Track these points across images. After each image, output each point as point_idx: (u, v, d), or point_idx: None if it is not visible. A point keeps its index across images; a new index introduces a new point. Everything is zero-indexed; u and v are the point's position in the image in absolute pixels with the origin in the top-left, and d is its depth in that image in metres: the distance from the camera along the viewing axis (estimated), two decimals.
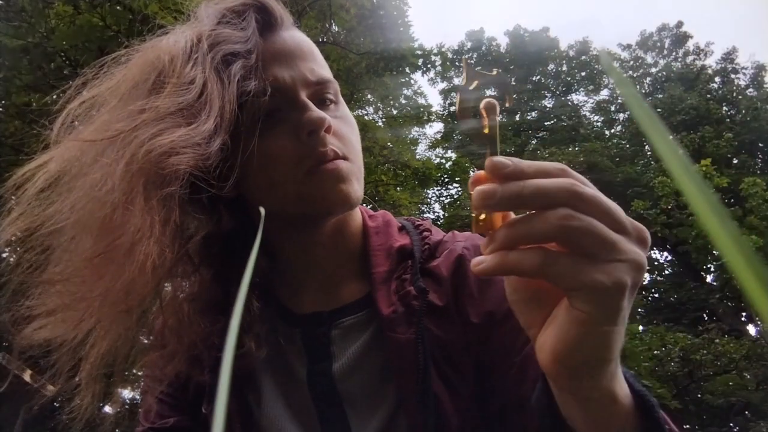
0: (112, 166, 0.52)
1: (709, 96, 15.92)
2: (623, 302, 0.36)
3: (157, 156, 0.51)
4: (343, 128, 0.66)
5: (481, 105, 0.39)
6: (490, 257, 0.37)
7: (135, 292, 0.53)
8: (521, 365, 0.60)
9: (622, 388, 0.41)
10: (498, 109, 0.39)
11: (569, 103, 19.05)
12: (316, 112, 0.61)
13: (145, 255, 0.51)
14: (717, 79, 17.33)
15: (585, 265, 0.35)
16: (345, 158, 0.63)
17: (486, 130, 0.39)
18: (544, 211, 0.35)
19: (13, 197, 0.57)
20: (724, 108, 15.82)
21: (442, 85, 18.51)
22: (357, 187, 0.64)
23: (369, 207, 0.81)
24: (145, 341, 0.69)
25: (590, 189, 0.36)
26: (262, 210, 0.57)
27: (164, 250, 0.53)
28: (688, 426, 9.68)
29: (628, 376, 0.44)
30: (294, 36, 0.67)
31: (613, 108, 18.28)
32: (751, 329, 10.91)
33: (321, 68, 0.66)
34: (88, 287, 0.53)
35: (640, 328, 9.40)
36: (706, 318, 12.30)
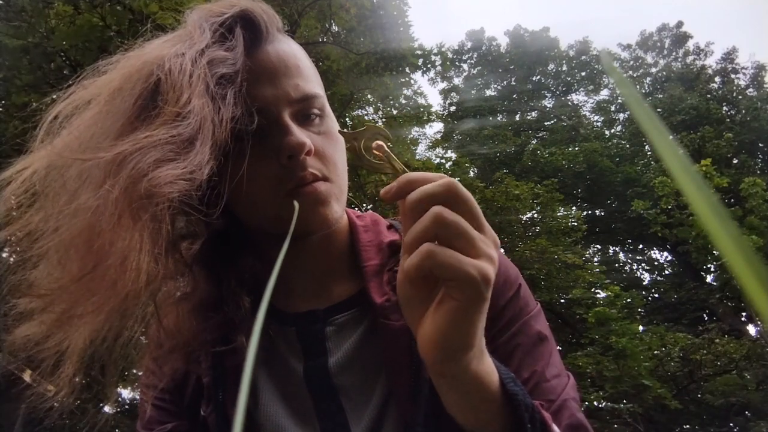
0: (105, 189, 0.50)
1: (709, 96, 15.91)
2: (488, 292, 0.46)
3: (156, 187, 0.50)
4: (325, 146, 0.66)
5: (374, 147, 0.55)
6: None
7: (129, 302, 0.53)
8: (509, 357, 0.64)
9: (489, 375, 0.51)
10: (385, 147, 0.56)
11: (569, 103, 19.05)
12: (296, 136, 0.61)
13: (137, 270, 0.51)
14: (717, 79, 17.32)
15: (459, 259, 0.45)
16: (325, 179, 0.64)
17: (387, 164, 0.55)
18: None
19: None
20: (724, 108, 15.81)
21: (442, 85, 18.55)
22: (336, 208, 0.66)
23: (370, 207, 0.82)
24: (143, 339, 0.69)
25: (463, 191, 0.47)
26: (296, 204, 0.58)
27: (157, 261, 0.53)
28: (688, 426, 9.68)
29: (506, 379, 0.52)
30: (278, 50, 0.65)
31: (613, 108, 18.27)
32: (751, 329, 10.90)
33: (306, 82, 0.66)
34: (79, 305, 0.52)
35: (640, 328, 9.39)
36: (706, 318, 12.30)
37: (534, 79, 19.29)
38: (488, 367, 0.51)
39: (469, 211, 0.47)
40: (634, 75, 18.85)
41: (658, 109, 14.90)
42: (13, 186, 0.55)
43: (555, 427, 0.55)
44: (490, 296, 0.46)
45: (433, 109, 11.72)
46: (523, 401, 0.51)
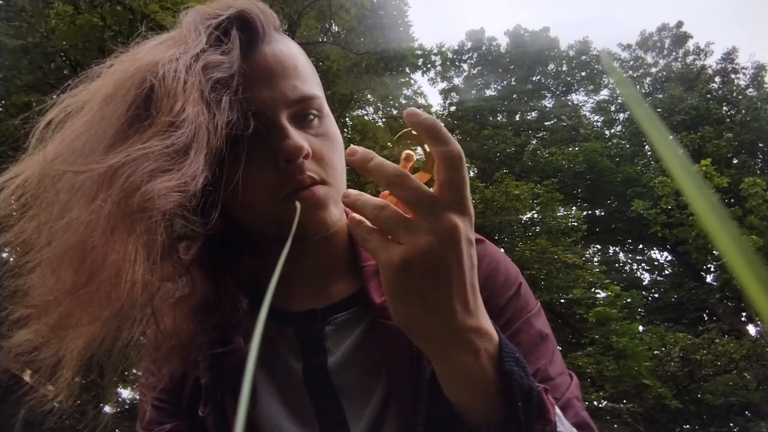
0: (97, 204, 0.49)
1: (709, 96, 15.89)
2: (402, 279, 0.47)
3: (149, 201, 0.49)
4: (324, 148, 0.65)
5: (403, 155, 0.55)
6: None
7: (125, 311, 0.52)
8: None
9: (473, 369, 0.50)
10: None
11: (569, 103, 19.03)
12: (293, 139, 0.60)
13: (131, 281, 0.50)
14: (717, 79, 17.30)
15: (378, 241, 0.50)
16: (323, 182, 0.64)
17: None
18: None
19: None
20: (724, 108, 15.79)
21: (442, 85, 18.51)
22: (334, 211, 0.65)
23: None
24: (142, 338, 0.69)
25: (409, 185, 0.48)
26: (298, 205, 0.58)
27: (152, 271, 0.52)
28: (688, 426, 9.68)
29: (506, 358, 0.51)
30: (275, 50, 0.64)
31: (613, 108, 18.26)
32: (751, 329, 10.90)
33: (303, 83, 0.64)
34: (74, 316, 0.51)
35: (640, 328, 9.38)
36: (706, 318, 12.28)
37: (534, 79, 19.27)
38: (470, 362, 0.50)
39: (410, 199, 0.48)
40: (634, 75, 18.84)
41: (658, 109, 14.89)
42: (5, 193, 0.54)
43: (557, 412, 0.54)
44: (418, 286, 0.48)
45: (433, 109, 11.74)
46: (519, 382, 0.50)
